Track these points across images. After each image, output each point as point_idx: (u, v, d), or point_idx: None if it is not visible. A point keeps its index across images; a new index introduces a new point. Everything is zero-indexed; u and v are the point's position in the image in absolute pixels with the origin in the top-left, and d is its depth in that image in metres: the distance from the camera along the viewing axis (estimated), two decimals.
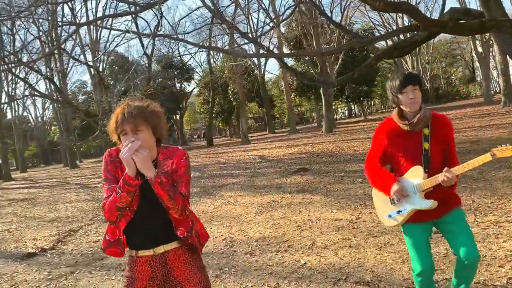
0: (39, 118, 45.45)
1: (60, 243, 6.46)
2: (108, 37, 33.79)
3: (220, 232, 5.63)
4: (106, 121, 21.68)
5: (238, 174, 11.53)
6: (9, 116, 38.48)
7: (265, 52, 13.18)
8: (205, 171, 13.53)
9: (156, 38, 25.05)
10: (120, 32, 21.47)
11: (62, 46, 19.43)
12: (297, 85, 31.96)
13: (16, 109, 39.34)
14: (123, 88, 26.64)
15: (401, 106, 2.40)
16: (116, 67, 36.87)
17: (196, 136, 56.64)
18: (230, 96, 33.60)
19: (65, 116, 27.87)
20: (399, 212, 2.34)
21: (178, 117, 41.11)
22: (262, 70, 34.14)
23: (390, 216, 2.39)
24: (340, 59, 24.42)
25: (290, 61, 32.62)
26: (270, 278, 3.70)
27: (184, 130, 49.68)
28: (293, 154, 14.12)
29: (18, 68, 21.70)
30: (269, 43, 27.92)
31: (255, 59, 32.79)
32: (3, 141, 25.66)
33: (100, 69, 27.95)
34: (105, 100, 21.60)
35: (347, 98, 34.08)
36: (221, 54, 34.99)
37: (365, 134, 16.55)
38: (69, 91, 38.19)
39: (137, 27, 22.75)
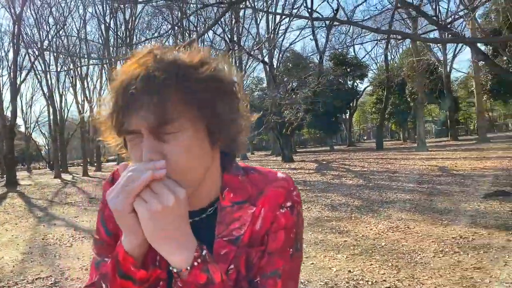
0: None
1: None
2: (284, 34, 34.58)
3: (383, 274, 4.20)
4: (273, 117, 22.00)
5: (412, 188, 9.58)
6: None
7: (453, 37, 10.70)
8: (371, 180, 11.91)
9: (330, 34, 24.37)
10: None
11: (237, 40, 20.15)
12: (492, 85, 26.91)
13: None
14: (295, 84, 26.79)
15: None
16: (290, 64, 37.57)
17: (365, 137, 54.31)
18: (407, 96, 30.50)
19: None
20: None
21: (347, 116, 39.62)
22: (448, 67, 29.96)
23: None
24: None
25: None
26: None
27: (353, 130, 47.95)
28: (485, 170, 11.31)
29: None
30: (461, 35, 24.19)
31: (440, 56, 29.10)
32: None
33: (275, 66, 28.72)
34: (275, 95, 21.84)
35: None
36: (399, 50, 32.30)
37: None
38: (246, 87, 40.76)
39: (312, 24, 22.29)
